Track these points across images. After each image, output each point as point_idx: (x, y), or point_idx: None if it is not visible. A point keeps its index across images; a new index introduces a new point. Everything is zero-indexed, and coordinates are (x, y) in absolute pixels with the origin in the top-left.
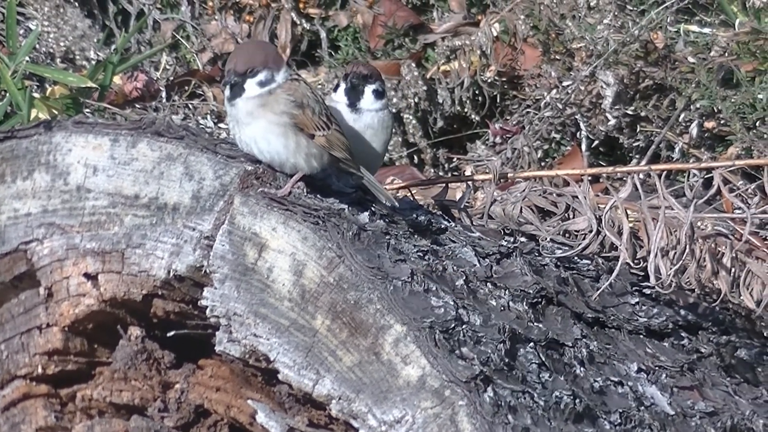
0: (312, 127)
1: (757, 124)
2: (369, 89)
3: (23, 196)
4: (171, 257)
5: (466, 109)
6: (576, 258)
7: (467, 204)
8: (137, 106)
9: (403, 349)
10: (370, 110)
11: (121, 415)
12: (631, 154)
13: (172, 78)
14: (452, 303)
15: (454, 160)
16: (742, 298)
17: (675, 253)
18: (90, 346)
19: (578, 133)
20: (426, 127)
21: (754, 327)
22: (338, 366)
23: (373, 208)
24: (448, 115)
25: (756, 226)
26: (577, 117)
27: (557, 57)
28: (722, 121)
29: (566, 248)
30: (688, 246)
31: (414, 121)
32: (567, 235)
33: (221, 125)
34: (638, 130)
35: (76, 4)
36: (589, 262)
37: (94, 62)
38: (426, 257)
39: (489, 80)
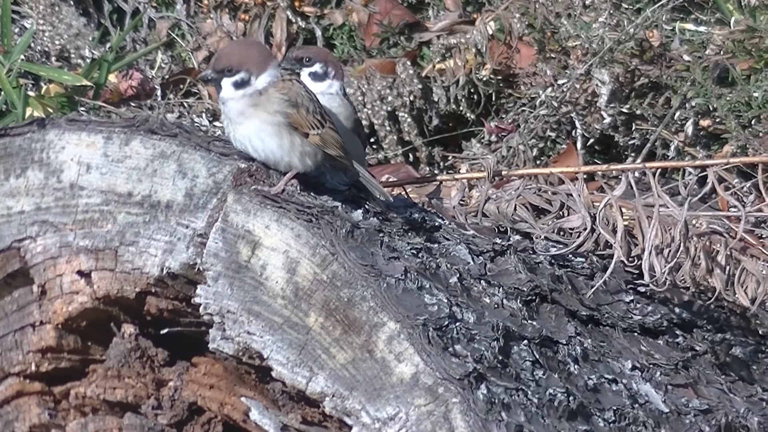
0: (306, 126)
1: (753, 122)
2: (305, 72)
3: (16, 193)
4: (164, 255)
5: (461, 108)
6: (570, 256)
7: (462, 202)
8: (132, 104)
9: (396, 347)
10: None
11: (114, 412)
12: (626, 153)
13: (167, 76)
14: (446, 300)
15: (450, 158)
16: (736, 296)
17: (670, 251)
18: (83, 343)
19: (573, 132)
20: (421, 125)
21: (748, 325)
22: (332, 363)
23: (366, 206)
24: (444, 113)
25: (751, 224)
26: (572, 115)
27: (552, 55)
28: (717, 120)
29: (561, 246)
30: (682, 244)
31: (409, 120)
32: (561, 233)
33: (216, 123)
34: (633, 128)
35: (71, 2)
36: (583, 259)
37: (89, 61)
38: (420, 255)
39: (484, 78)
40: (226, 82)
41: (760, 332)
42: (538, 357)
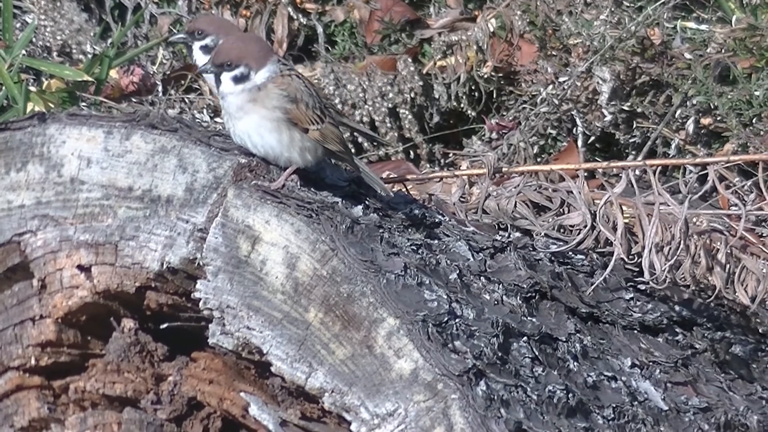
0: (306, 121)
1: (754, 120)
2: (197, 46)
3: (17, 187)
4: (164, 249)
5: (462, 105)
6: (570, 253)
7: (462, 199)
8: (133, 100)
9: (395, 343)
10: (207, 75)
11: (114, 407)
12: (627, 150)
13: (168, 72)
14: (445, 297)
15: (450, 155)
16: (736, 294)
17: (670, 248)
18: (83, 338)
19: (574, 129)
20: (422, 122)
21: (748, 323)
22: (331, 359)
23: (366, 202)
24: (445, 110)
25: (751, 222)
26: (573, 113)
27: (554, 53)
28: (718, 118)
29: (561, 243)
30: (683, 242)
31: (410, 117)
32: (561, 230)
33: (217, 119)
34: (634, 126)
35: None
36: (583, 257)
37: (90, 56)
38: (419, 251)
39: (485, 76)
40: (226, 77)
41: (760, 330)
42: (537, 354)
